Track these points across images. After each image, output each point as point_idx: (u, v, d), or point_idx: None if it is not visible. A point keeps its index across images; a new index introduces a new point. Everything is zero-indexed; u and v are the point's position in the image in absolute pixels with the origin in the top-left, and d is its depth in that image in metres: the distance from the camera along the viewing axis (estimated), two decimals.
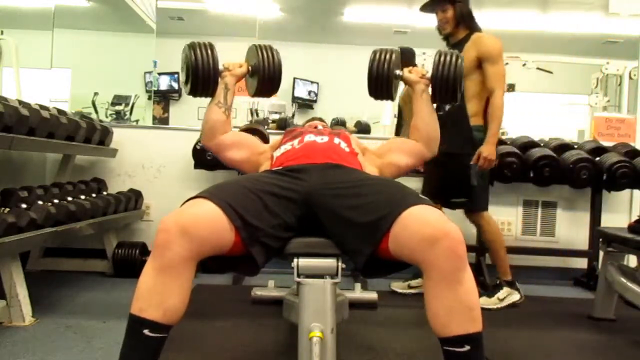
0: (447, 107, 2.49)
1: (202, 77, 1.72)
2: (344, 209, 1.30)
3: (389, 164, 1.79)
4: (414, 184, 3.12)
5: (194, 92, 1.76)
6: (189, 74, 1.72)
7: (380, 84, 1.79)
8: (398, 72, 1.81)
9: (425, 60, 3.92)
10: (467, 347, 1.14)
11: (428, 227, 1.16)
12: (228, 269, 1.37)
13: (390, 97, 1.84)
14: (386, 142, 1.93)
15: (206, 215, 1.22)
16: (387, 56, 1.78)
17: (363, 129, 4.26)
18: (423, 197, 1.29)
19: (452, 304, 1.15)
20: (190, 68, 1.71)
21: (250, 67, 1.83)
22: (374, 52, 1.82)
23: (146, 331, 1.14)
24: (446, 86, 1.72)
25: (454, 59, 1.72)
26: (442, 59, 1.74)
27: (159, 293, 1.16)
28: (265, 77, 1.79)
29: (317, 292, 1.26)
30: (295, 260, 1.30)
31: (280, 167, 1.51)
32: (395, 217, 1.20)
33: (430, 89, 1.79)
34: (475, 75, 2.59)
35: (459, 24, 2.67)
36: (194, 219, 1.20)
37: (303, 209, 1.35)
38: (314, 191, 1.36)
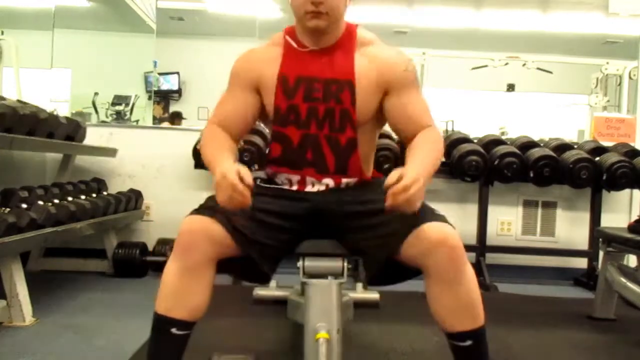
0: None
1: None
2: (357, 228, 1.29)
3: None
4: None
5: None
6: None
7: None
8: None
9: (425, 61, 3.93)
10: (468, 342, 1.20)
11: (426, 237, 1.18)
12: (240, 275, 1.38)
13: None
14: None
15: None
16: None
17: None
18: (439, 214, 1.27)
19: (453, 305, 1.20)
20: None
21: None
22: None
23: (174, 330, 1.21)
24: None
25: None
26: None
27: (185, 294, 1.21)
28: None
29: (323, 292, 1.27)
30: (301, 260, 1.30)
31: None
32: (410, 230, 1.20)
33: None
34: None
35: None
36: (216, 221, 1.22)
37: (310, 220, 1.34)
38: (322, 208, 1.34)
